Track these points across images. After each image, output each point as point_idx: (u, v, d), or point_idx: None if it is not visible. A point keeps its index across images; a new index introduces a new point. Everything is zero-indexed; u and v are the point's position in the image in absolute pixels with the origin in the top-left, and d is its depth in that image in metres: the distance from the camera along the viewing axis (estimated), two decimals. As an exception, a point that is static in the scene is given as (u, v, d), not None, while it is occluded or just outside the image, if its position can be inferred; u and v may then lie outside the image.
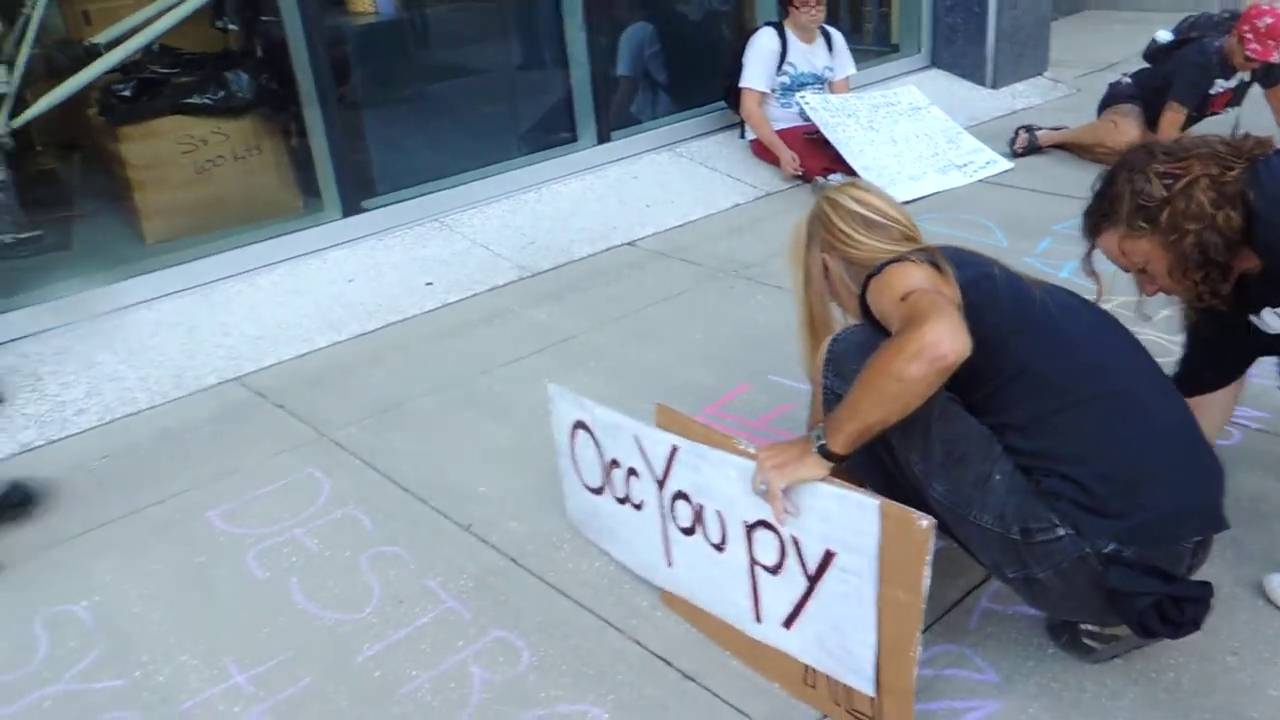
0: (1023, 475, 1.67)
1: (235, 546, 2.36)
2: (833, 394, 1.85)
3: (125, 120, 4.00)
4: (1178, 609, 1.60)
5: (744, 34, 5.00)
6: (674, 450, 1.91)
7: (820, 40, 4.87)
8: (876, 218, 1.92)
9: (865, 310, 1.86)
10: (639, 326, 3.38)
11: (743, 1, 5.77)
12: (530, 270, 3.91)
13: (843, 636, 1.69)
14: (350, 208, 4.04)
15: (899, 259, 1.82)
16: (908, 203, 4.35)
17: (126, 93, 4.01)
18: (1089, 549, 1.62)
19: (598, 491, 2.18)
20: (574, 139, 4.84)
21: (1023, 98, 6.13)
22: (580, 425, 2.17)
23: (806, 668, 1.80)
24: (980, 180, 4.64)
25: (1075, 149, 4.90)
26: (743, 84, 4.74)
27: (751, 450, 1.76)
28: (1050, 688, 1.81)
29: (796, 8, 4.70)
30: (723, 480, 1.82)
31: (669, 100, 5.29)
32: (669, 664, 1.93)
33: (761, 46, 4.72)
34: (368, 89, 4.27)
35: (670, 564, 2.03)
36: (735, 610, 1.90)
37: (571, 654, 1.97)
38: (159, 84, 4.05)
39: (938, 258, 1.82)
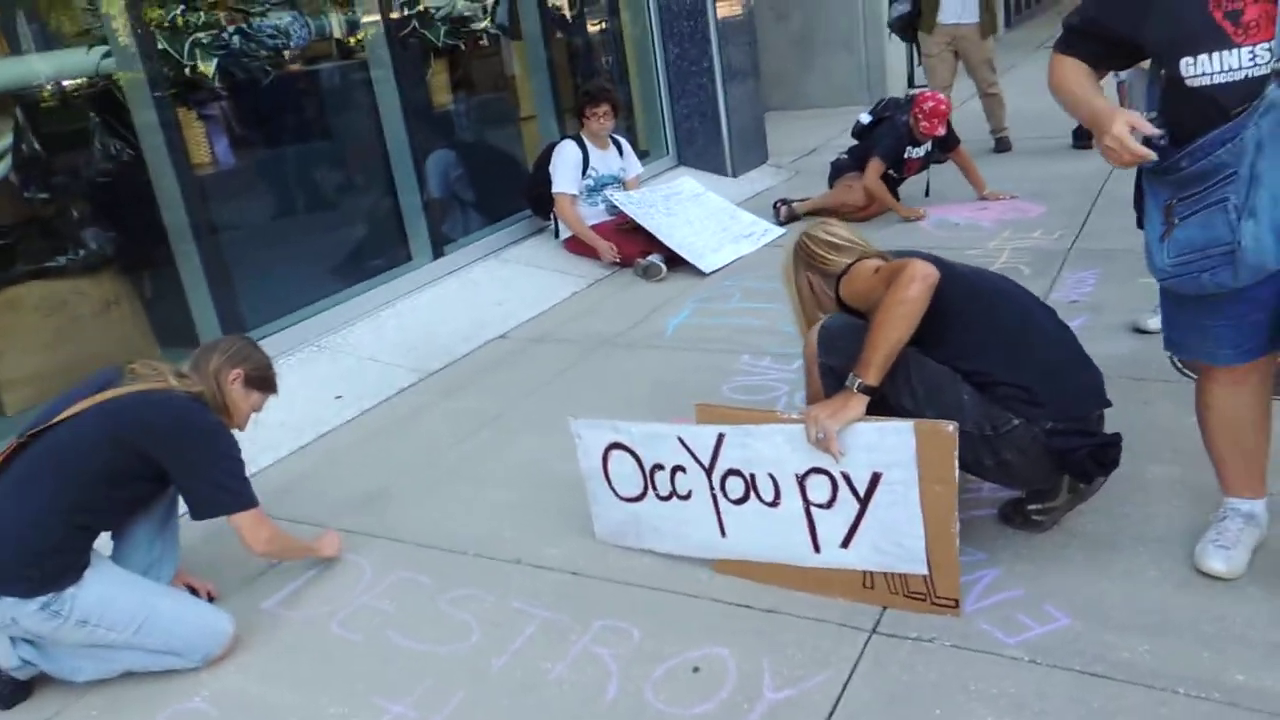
0: (979, 390, 2.34)
1: (313, 623, 2.54)
2: (827, 367, 2.44)
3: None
4: (1104, 453, 2.34)
5: (541, 149, 5.67)
6: (720, 437, 2.41)
7: (612, 147, 5.62)
8: (841, 242, 2.59)
9: (840, 303, 2.50)
10: (556, 395, 3.83)
11: (522, 125, 6.44)
12: (425, 372, 4.24)
13: (896, 535, 2.26)
14: (232, 342, 4.17)
15: (857, 260, 2.50)
16: (717, 270, 5.14)
17: (-29, 265, 3.94)
18: (1036, 429, 2.30)
19: (638, 499, 2.62)
20: (410, 257, 5.22)
21: (759, 182, 7.24)
22: (614, 446, 2.61)
23: (864, 574, 2.34)
24: (765, 245, 5.52)
25: (824, 211, 5.94)
26: (556, 189, 5.37)
27: (794, 415, 2.32)
28: (1022, 553, 2.47)
29: (588, 119, 5.43)
30: (771, 447, 2.35)
31: (479, 215, 5.81)
32: (750, 608, 2.39)
33: (567, 156, 5.39)
34: (227, 233, 4.44)
35: (724, 535, 2.50)
36: (793, 550, 2.40)
37: (670, 621, 2.38)
38: (7, 251, 4.01)
39: (885, 255, 2.50)
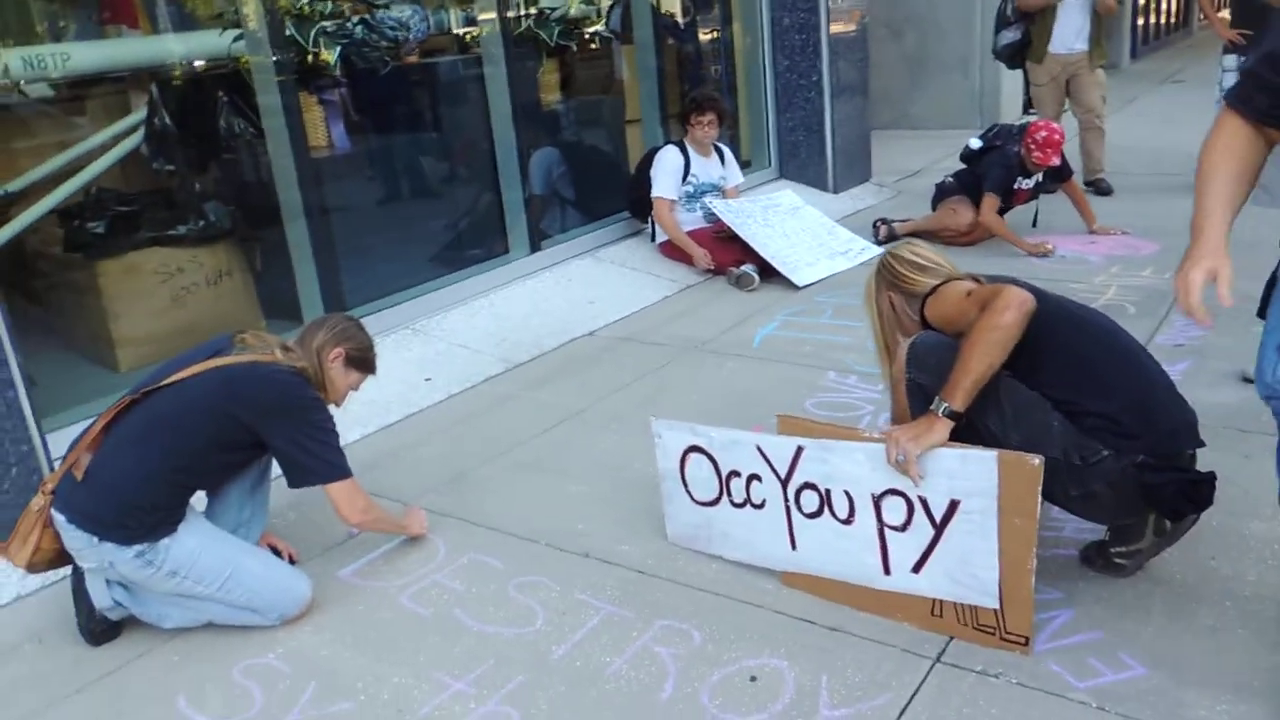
0: (1068, 419, 2.28)
1: (385, 594, 2.62)
2: (915, 384, 2.41)
3: (103, 254, 4.14)
4: (1196, 490, 2.27)
5: (644, 153, 5.73)
6: (799, 450, 2.41)
7: (715, 155, 5.64)
8: (926, 264, 2.57)
9: (925, 324, 2.47)
10: (639, 396, 3.86)
11: (627, 128, 6.51)
12: (513, 362, 4.32)
13: (970, 566, 2.22)
14: (333, 319, 4.32)
15: (945, 281, 2.47)
16: (810, 284, 5.11)
17: (100, 229, 4.16)
18: (1127, 461, 2.24)
19: (712, 504, 2.63)
20: (508, 250, 5.33)
21: (860, 200, 7.15)
22: (692, 449, 2.62)
23: (933, 602, 2.30)
24: (861, 263, 5.46)
25: (925, 233, 5.85)
26: (655, 193, 5.41)
27: (877, 435, 2.30)
28: (1102, 596, 2.39)
29: (693, 126, 5.47)
30: (850, 464, 2.33)
31: (578, 213, 5.89)
32: (814, 623, 2.38)
33: (669, 161, 5.43)
34: (336, 214, 4.61)
35: (795, 548, 2.49)
36: (863, 570, 2.38)
37: (731, 628, 2.38)
38: (133, 218, 4.22)
39: (976, 277, 2.47)
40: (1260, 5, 5.35)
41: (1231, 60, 6.04)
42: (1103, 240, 5.52)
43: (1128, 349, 2.40)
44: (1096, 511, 2.38)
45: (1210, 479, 2.29)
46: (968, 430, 2.30)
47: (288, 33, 4.40)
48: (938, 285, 2.49)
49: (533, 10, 5.76)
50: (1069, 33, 6.39)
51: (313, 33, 4.68)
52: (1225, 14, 6.43)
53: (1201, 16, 18.47)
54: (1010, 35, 6.66)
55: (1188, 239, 1.77)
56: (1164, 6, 17.61)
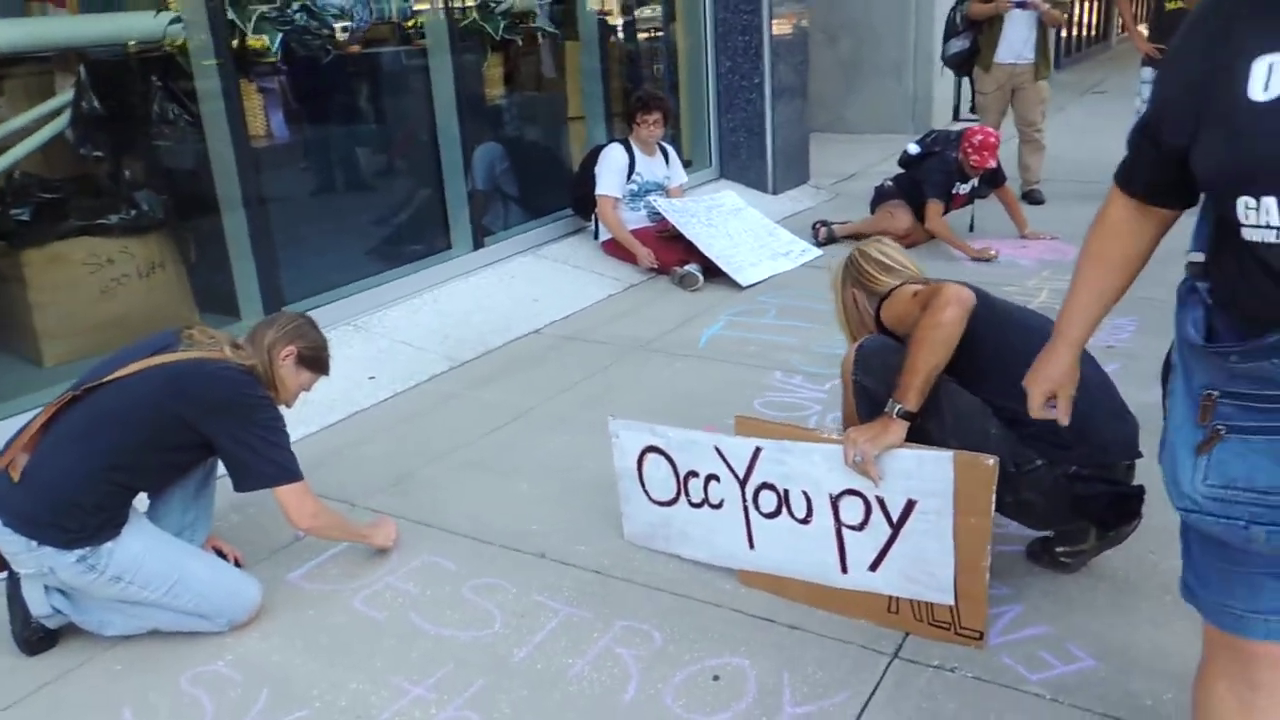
0: (1008, 427, 2.33)
1: (337, 598, 2.56)
2: (861, 386, 2.44)
3: (27, 243, 3.97)
4: (1125, 503, 2.34)
5: (587, 150, 5.71)
6: (757, 450, 2.42)
7: (659, 154, 5.65)
8: (891, 264, 2.61)
9: (879, 325, 2.51)
10: (586, 395, 3.84)
11: (571, 125, 6.48)
12: (457, 360, 4.26)
13: (926, 564, 2.26)
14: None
15: (901, 284, 2.52)
16: (754, 284, 5.15)
17: (24, 216, 3.98)
18: (1059, 472, 2.30)
19: (669, 503, 2.63)
20: (450, 246, 5.26)
21: (798, 201, 7.23)
22: (650, 449, 2.62)
23: (890, 599, 2.34)
24: (802, 265, 5.53)
25: (863, 236, 5.93)
26: (599, 191, 5.40)
27: (835, 436, 2.32)
28: (1049, 591, 2.46)
29: (639, 125, 5.47)
30: (808, 465, 2.36)
31: (521, 210, 5.85)
32: (773, 622, 2.40)
33: (613, 159, 5.42)
34: (275, 206, 4.49)
35: (752, 547, 2.51)
36: (821, 569, 2.41)
37: (692, 628, 2.39)
38: (59, 205, 4.06)
39: (929, 281, 2.52)
40: (1179, 19, 5.55)
41: (1149, 73, 6.26)
42: (1033, 245, 5.67)
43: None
44: (1028, 518, 2.45)
45: (1138, 493, 2.38)
46: (910, 434, 2.34)
47: (228, 17, 4.27)
48: (895, 287, 2.53)
49: (477, 2, 5.69)
50: (1016, 42, 6.53)
51: (253, 18, 4.55)
52: (1144, 27, 6.65)
53: (1121, 29, 19.11)
54: (959, 44, 6.79)
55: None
56: (1084, 20, 18.16)
